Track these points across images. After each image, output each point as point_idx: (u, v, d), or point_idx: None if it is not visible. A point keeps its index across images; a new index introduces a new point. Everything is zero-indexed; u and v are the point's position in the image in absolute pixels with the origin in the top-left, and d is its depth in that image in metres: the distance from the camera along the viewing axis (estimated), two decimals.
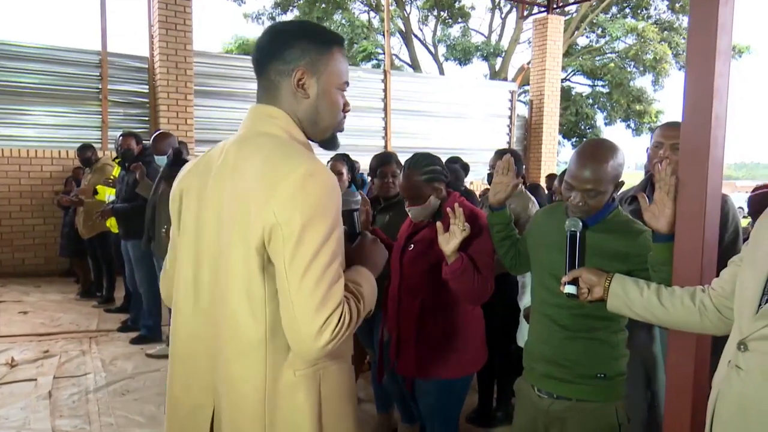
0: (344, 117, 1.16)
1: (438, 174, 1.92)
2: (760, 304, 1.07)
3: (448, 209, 1.73)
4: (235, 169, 1.04)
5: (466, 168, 3.95)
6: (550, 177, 6.18)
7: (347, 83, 1.14)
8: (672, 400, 1.45)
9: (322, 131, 1.14)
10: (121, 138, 4.53)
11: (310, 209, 0.96)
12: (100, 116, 6.97)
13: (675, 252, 1.38)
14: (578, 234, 1.53)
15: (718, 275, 1.38)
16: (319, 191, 0.98)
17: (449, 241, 1.73)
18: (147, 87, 7.26)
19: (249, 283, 1.02)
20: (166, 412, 1.21)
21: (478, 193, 5.15)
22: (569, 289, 1.48)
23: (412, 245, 1.96)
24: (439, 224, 1.76)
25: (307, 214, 0.96)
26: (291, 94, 1.08)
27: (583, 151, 1.58)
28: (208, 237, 1.08)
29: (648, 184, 2.13)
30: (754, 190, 3.53)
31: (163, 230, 3.47)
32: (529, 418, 1.72)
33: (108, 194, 4.72)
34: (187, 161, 3.54)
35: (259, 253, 1.00)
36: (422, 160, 1.93)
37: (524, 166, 9.89)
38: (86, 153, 5.35)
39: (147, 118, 7.28)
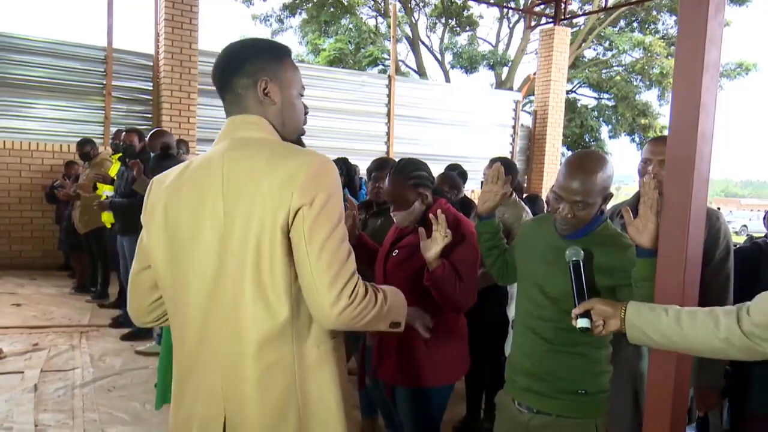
0: (306, 120, 1.27)
1: (423, 179, 1.90)
2: None
3: (431, 215, 1.71)
4: (240, 173, 1.09)
5: (464, 175, 3.92)
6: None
7: (304, 88, 1.25)
8: (651, 419, 1.42)
9: (290, 134, 1.23)
10: (123, 134, 4.54)
11: (328, 189, 1.08)
12: (103, 112, 6.99)
13: (657, 267, 1.36)
14: (581, 262, 1.46)
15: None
16: (334, 175, 1.11)
17: (430, 247, 1.72)
18: (151, 84, 7.28)
19: (273, 268, 1.07)
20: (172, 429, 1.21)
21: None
22: (582, 323, 1.36)
23: (396, 251, 1.94)
24: (421, 230, 1.74)
25: (326, 193, 1.07)
26: (258, 103, 1.17)
27: (572, 162, 1.55)
28: (211, 243, 1.10)
29: (638, 200, 2.12)
30: None
31: None
32: (508, 431, 1.70)
33: (105, 190, 4.72)
34: (173, 156, 3.57)
35: (285, 236, 1.07)
36: (408, 166, 1.92)
37: (524, 176, 9.94)
38: (85, 147, 5.36)
39: (150, 115, 7.30)
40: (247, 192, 1.08)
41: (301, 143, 1.26)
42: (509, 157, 9.98)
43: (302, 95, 1.25)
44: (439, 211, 1.72)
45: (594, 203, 1.54)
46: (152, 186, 1.21)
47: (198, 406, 1.15)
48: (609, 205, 1.79)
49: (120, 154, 4.62)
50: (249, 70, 1.16)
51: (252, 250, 1.07)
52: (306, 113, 1.27)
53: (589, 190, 1.51)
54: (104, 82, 6.97)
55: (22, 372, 3.50)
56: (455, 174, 3.49)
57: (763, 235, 3.33)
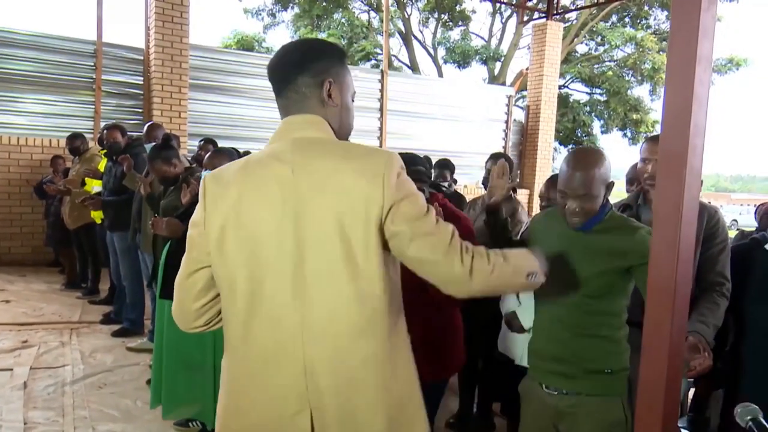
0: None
1: (420, 174, 1.91)
2: None
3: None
4: (316, 170, 1.11)
5: (443, 166, 4.01)
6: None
7: (355, 93, 1.29)
8: (643, 413, 1.42)
9: (343, 135, 1.25)
10: (105, 131, 4.49)
11: (410, 186, 1.16)
12: (93, 106, 6.92)
13: (649, 262, 1.35)
14: (762, 420, 1.22)
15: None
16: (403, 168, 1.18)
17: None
18: (141, 78, 7.21)
19: (369, 260, 1.10)
20: None
21: (471, 198, 5.14)
22: None
23: None
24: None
25: (410, 185, 1.16)
26: (320, 103, 1.18)
27: (571, 160, 1.65)
28: (288, 241, 1.10)
29: (639, 197, 2.13)
30: (761, 205, 3.60)
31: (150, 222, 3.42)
32: (537, 416, 1.75)
33: (94, 186, 4.68)
34: (173, 146, 3.55)
35: (378, 229, 1.10)
36: (406, 160, 1.91)
37: (516, 171, 9.96)
38: (75, 142, 5.30)
39: (140, 110, 7.23)
40: (328, 188, 1.09)
41: None
42: (501, 151, 10.00)
43: (353, 100, 1.27)
44: (435, 203, 1.71)
45: (598, 194, 1.63)
46: (207, 183, 1.17)
47: (272, 406, 1.13)
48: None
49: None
50: (315, 70, 1.17)
51: (341, 245, 1.08)
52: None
53: (592, 182, 1.60)
54: (94, 77, 6.89)
55: (12, 369, 3.47)
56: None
57: (753, 229, 3.36)
